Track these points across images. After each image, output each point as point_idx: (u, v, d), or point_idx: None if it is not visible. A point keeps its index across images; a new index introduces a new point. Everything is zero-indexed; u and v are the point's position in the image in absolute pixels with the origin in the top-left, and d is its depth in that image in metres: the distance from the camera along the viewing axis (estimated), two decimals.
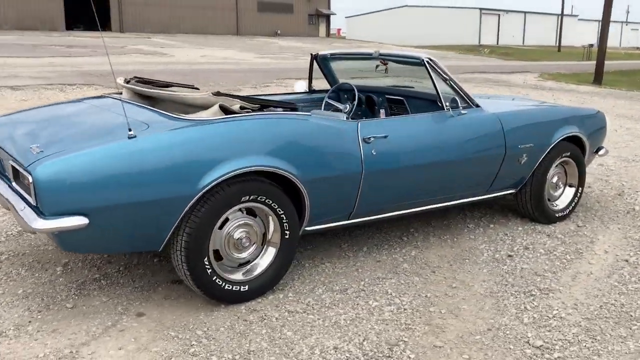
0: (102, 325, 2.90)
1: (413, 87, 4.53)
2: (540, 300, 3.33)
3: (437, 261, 3.85)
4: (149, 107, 3.30)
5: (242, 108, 3.19)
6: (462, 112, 3.95)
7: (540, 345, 2.84)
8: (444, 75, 3.98)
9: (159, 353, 2.68)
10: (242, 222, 3.11)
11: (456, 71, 21.39)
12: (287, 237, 3.23)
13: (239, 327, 2.92)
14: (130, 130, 2.78)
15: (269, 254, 3.24)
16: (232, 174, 2.90)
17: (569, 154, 4.58)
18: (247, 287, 3.14)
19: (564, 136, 4.46)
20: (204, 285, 3.00)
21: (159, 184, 2.77)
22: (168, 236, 2.88)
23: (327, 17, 54.57)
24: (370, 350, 2.76)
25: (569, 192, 4.77)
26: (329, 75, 5.09)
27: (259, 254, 3.23)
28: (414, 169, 3.67)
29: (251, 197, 3.04)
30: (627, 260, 3.96)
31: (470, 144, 3.94)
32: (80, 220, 2.61)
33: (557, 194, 4.70)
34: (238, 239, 3.10)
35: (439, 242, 4.18)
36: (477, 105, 4.11)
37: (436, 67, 3.96)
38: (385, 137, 3.54)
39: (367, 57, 4.53)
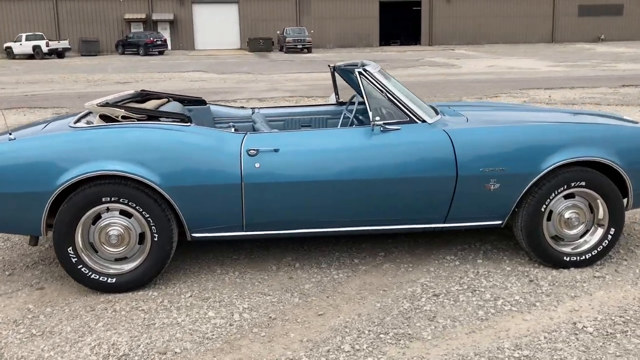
0: (1, 292, 3.61)
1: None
2: (375, 345, 2.90)
3: (352, 288, 3.58)
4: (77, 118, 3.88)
5: (124, 118, 3.56)
6: (392, 127, 3.57)
7: None
8: (380, 88, 3.65)
9: (1, 319, 3.26)
10: (114, 220, 3.48)
11: None
12: (156, 240, 3.48)
13: (78, 311, 3.32)
14: (10, 133, 3.44)
15: (142, 254, 3.53)
16: (83, 176, 3.32)
17: (583, 184, 3.65)
18: (114, 280, 3.50)
19: (569, 160, 3.59)
20: (71, 272, 3.47)
21: (23, 179, 3.36)
22: (42, 225, 3.44)
23: None
24: (135, 353, 2.88)
25: (597, 233, 3.77)
26: (352, 86, 4.95)
27: (136, 253, 3.55)
28: (315, 186, 3.50)
29: (112, 199, 3.40)
30: (575, 324, 3.06)
31: (395, 163, 3.53)
32: None
33: (572, 232, 3.76)
34: (109, 235, 3.48)
35: (386, 270, 3.82)
36: (423, 120, 3.64)
37: (370, 79, 3.68)
38: (276, 150, 3.49)
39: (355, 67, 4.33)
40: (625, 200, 3.80)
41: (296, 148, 3.53)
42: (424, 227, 3.75)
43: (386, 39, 43.79)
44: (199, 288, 3.60)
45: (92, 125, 3.53)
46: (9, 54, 36.77)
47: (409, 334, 3.02)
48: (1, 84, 20.10)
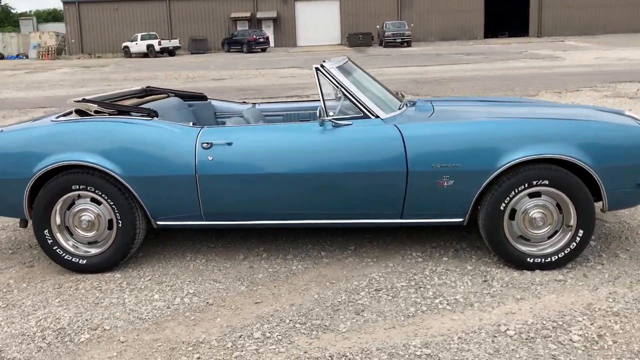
0: None
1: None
2: (287, 334, 2.97)
3: (303, 280, 3.65)
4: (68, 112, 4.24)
5: (96, 112, 3.85)
6: (343, 122, 3.59)
7: None
8: (335, 83, 3.69)
9: None
10: (85, 207, 3.78)
11: None
12: (120, 226, 3.74)
13: (47, 288, 3.66)
14: None
15: (109, 239, 3.80)
16: (53, 166, 3.65)
17: (547, 182, 3.47)
18: (85, 261, 3.81)
19: (528, 158, 3.43)
20: (48, 252, 3.82)
21: (8, 167, 3.76)
22: (25, 208, 3.82)
23: None
24: (72, 327, 3.15)
25: (565, 235, 3.58)
26: None
27: (105, 237, 3.84)
28: (266, 178, 3.61)
29: (81, 187, 3.70)
30: (499, 327, 2.95)
31: (345, 158, 3.54)
32: None
33: (538, 233, 3.58)
34: (81, 220, 3.79)
35: (347, 264, 3.85)
36: (377, 116, 3.63)
37: (326, 74, 3.72)
38: (230, 144, 3.63)
39: None
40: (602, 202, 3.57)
41: (248, 142, 3.65)
42: (382, 222, 3.74)
43: (493, 31, 42.31)
44: (161, 273, 3.82)
45: (67, 119, 3.86)
46: (126, 52, 39.63)
47: (326, 326, 3.05)
48: (110, 81, 21.76)
